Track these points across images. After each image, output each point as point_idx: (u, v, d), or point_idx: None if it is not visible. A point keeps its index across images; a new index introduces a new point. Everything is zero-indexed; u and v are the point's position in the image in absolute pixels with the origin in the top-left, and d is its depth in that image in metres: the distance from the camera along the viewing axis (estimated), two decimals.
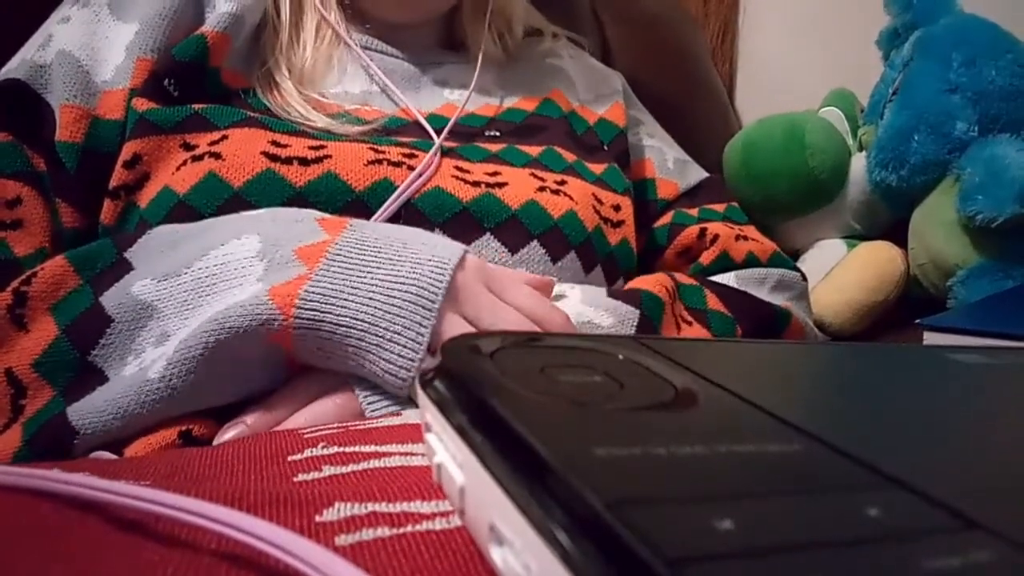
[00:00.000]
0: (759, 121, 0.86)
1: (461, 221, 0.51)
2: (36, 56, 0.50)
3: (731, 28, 1.13)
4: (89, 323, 0.38)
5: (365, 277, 0.37)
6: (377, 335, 0.36)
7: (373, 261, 0.38)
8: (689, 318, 0.53)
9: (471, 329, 0.38)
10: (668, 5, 1.04)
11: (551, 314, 0.41)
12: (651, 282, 0.53)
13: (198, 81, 0.52)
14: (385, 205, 0.49)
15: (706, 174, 0.74)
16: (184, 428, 0.37)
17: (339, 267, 0.37)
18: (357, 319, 0.36)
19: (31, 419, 0.37)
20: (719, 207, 0.70)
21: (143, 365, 0.37)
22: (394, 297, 0.36)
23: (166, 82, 0.51)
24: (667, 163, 0.72)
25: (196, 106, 0.50)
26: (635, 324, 0.48)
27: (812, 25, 1.06)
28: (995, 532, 0.14)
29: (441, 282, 0.37)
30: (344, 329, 0.35)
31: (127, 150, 0.48)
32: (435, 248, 0.39)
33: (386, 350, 0.36)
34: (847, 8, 1.01)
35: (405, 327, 0.36)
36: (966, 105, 0.72)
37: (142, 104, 0.49)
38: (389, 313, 0.36)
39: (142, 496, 0.18)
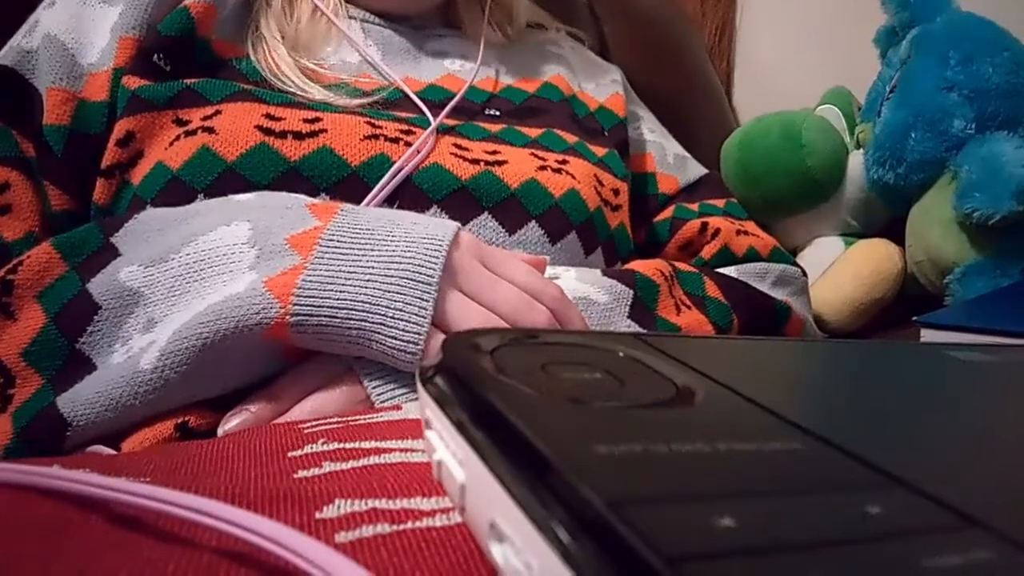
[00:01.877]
0: (756, 119, 0.86)
1: (459, 199, 0.50)
2: (23, 42, 0.51)
3: (729, 26, 1.13)
4: (77, 310, 0.37)
5: (361, 260, 0.37)
6: (379, 314, 0.35)
7: (367, 244, 0.37)
8: (688, 303, 0.53)
9: (471, 304, 0.38)
10: (665, 3, 1.04)
11: (546, 288, 0.41)
12: (647, 266, 0.53)
13: (188, 54, 0.52)
14: (383, 182, 0.48)
15: (705, 170, 0.75)
16: (180, 420, 0.36)
17: (334, 253, 0.37)
18: (357, 301, 0.35)
19: (20, 409, 0.37)
20: (719, 202, 0.70)
21: (131, 353, 0.36)
22: (392, 276, 0.36)
23: (155, 57, 0.51)
24: (667, 158, 0.72)
25: (188, 81, 0.50)
26: (629, 303, 0.48)
27: (810, 24, 1.06)
28: (995, 530, 0.14)
29: (437, 259, 0.37)
30: (345, 312, 0.35)
31: (120, 128, 0.48)
32: (428, 227, 0.39)
33: (390, 327, 0.35)
34: (845, 7, 1.01)
35: (407, 303, 0.36)
36: (963, 103, 0.72)
37: (133, 82, 0.49)
38: (389, 292, 0.36)
39: (142, 493, 0.18)
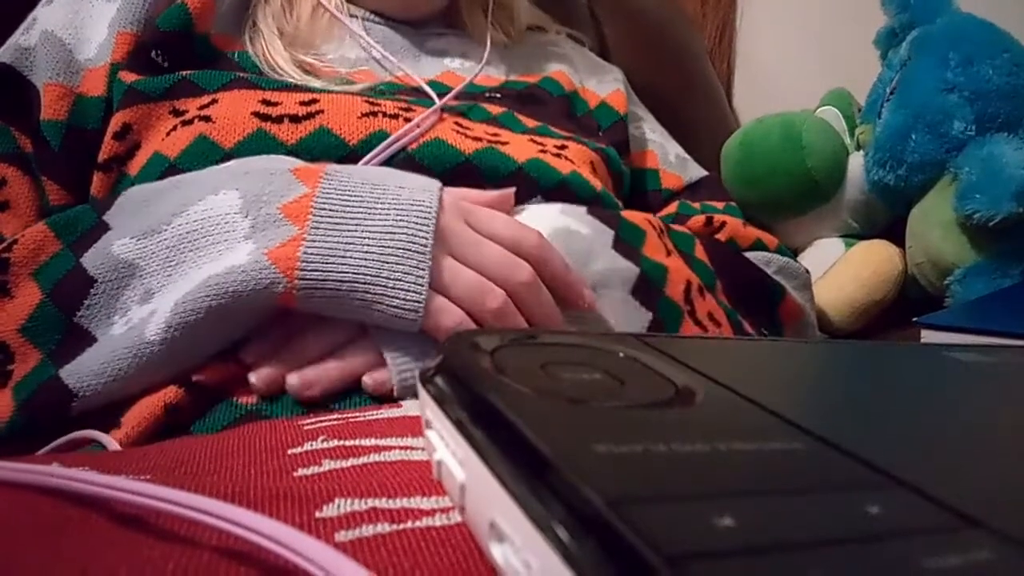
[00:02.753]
0: (756, 120, 0.85)
1: (463, 173, 0.50)
2: (21, 39, 0.51)
3: (729, 28, 1.13)
4: (72, 285, 0.38)
5: (356, 230, 0.38)
6: (380, 284, 0.37)
7: (360, 211, 0.39)
8: (677, 252, 0.53)
9: (460, 268, 0.40)
10: (666, 4, 1.04)
11: (526, 236, 0.42)
12: (635, 215, 0.53)
13: (187, 49, 0.53)
14: (377, 150, 0.48)
15: (705, 172, 0.75)
16: (168, 403, 0.37)
17: (329, 222, 0.38)
18: (359, 273, 0.37)
19: (20, 383, 0.37)
20: (719, 204, 0.70)
21: (132, 324, 0.37)
22: (388, 245, 0.38)
23: (153, 53, 0.51)
24: (669, 157, 0.73)
25: (184, 72, 0.50)
26: (612, 236, 0.49)
27: (810, 25, 1.06)
28: (995, 530, 0.14)
29: (428, 226, 0.39)
30: (348, 284, 0.37)
31: (116, 121, 0.49)
32: (414, 191, 0.40)
33: (391, 296, 0.37)
34: (845, 8, 1.01)
35: (405, 272, 0.37)
36: (963, 104, 0.72)
37: (130, 76, 0.49)
38: (388, 262, 0.37)
39: (142, 492, 0.18)
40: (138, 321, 0.37)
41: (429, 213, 0.39)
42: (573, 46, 0.77)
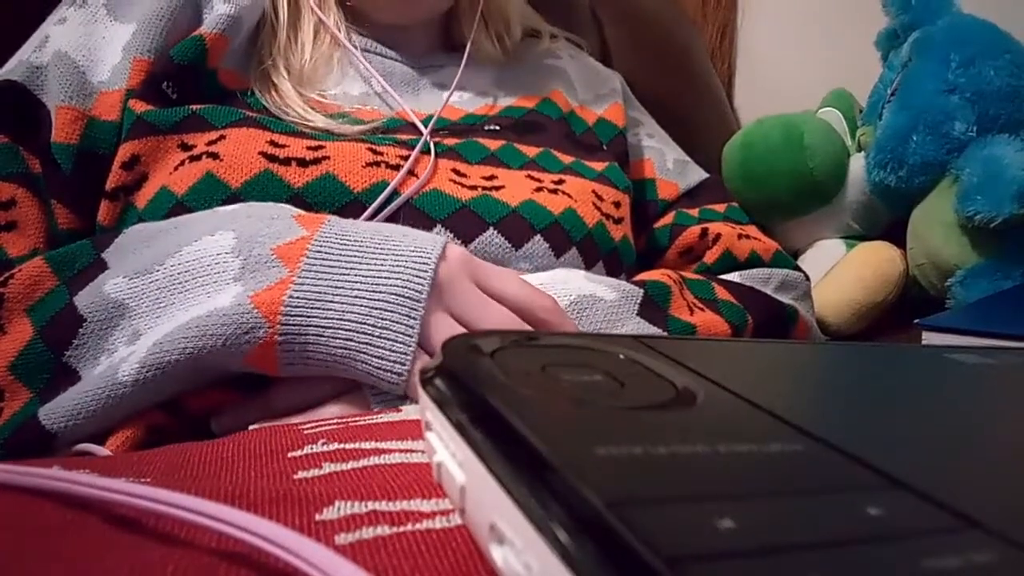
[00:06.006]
0: (757, 121, 0.86)
1: (462, 216, 0.51)
2: (32, 57, 0.50)
3: (730, 28, 1.13)
4: (62, 323, 0.37)
5: (348, 274, 0.36)
6: (366, 333, 0.35)
7: (355, 257, 0.37)
8: (701, 305, 0.53)
9: (458, 326, 0.38)
10: (667, 5, 1.04)
11: (539, 299, 0.41)
12: (654, 274, 0.53)
13: (196, 83, 0.52)
14: (377, 203, 0.48)
15: (706, 174, 0.74)
16: (151, 425, 0.37)
17: (321, 266, 0.36)
18: (344, 319, 0.35)
19: (7, 422, 0.37)
20: (720, 207, 0.70)
21: (112, 363, 0.36)
22: (379, 292, 0.36)
23: (164, 85, 0.51)
24: (667, 163, 0.72)
25: (194, 106, 0.50)
26: (639, 301, 0.48)
27: (811, 26, 1.06)
28: (995, 532, 0.14)
29: (425, 274, 0.37)
30: (331, 331, 0.35)
31: (124, 151, 0.48)
32: (416, 240, 0.39)
33: (376, 347, 0.35)
34: (846, 9, 1.01)
35: (394, 321, 0.35)
36: (964, 105, 0.72)
37: (140, 106, 0.49)
38: (376, 309, 0.35)
39: (142, 494, 0.18)
40: (117, 361, 0.36)
41: (428, 261, 0.37)
42: (572, 53, 0.76)
